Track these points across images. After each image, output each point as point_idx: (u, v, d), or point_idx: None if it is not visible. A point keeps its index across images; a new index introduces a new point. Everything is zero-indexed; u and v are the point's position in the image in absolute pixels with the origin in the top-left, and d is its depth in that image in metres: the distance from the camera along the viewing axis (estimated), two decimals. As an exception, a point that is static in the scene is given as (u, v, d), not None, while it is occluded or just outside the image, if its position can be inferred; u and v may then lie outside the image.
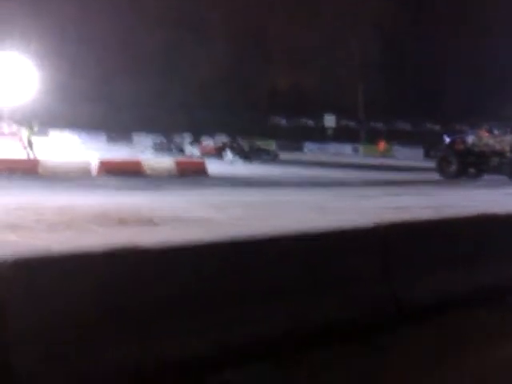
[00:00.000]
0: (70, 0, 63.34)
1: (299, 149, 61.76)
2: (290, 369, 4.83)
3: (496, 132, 32.36)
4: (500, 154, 31.45)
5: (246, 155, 40.56)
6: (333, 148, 62.16)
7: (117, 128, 63.78)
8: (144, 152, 42.15)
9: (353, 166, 38.40)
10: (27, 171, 22.23)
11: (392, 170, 35.62)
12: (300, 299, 5.32)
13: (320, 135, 66.44)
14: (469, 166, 32.40)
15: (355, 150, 62.29)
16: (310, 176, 28.11)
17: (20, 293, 3.94)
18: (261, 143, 47.00)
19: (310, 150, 61.71)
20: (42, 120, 58.19)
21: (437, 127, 68.04)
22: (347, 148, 62.40)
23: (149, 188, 19.84)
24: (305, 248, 5.57)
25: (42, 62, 43.69)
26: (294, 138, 63.53)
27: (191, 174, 24.99)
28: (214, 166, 27.51)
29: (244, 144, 42.81)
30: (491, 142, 32.04)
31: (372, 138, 65.16)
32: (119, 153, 36.95)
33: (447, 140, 34.45)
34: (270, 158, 42.16)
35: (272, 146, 50.81)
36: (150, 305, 4.46)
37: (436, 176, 30.79)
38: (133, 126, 63.70)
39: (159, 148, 47.20)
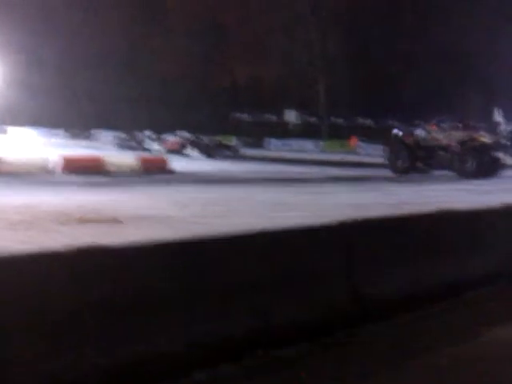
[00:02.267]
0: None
1: (262, 145, 61.84)
2: (251, 368, 4.89)
3: (444, 126, 32.05)
4: (447, 148, 31.23)
5: (208, 151, 40.56)
6: (296, 144, 62.33)
7: (76, 124, 63.17)
8: (105, 148, 41.86)
9: (314, 162, 38.57)
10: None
11: (353, 166, 35.87)
12: (261, 298, 5.35)
13: (283, 131, 66.58)
14: (418, 160, 32.06)
15: (317, 146, 62.56)
16: (272, 172, 28.22)
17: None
18: (222, 139, 47.00)
19: (273, 146, 61.81)
20: (1, 116, 57.68)
21: (398, 123, 68.66)
22: (309, 144, 62.63)
23: (111, 185, 19.72)
24: (266, 246, 5.60)
25: (2, 57, 43.08)
26: (257, 134, 63.57)
27: (154, 171, 24.87)
28: (176, 163, 27.42)
29: (205, 140, 42.80)
30: (439, 136, 31.85)
31: (334, 134, 65.46)
32: (80, 149, 36.63)
33: (397, 133, 33.99)
34: (232, 153, 42.20)
35: (232, 141, 50.83)
36: (112, 305, 4.46)
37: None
38: (92, 122, 63.15)
39: (121, 144, 46.90)
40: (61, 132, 63.17)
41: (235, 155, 42.01)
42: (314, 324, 5.60)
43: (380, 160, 34.97)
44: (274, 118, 70.90)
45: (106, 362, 4.32)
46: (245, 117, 71.97)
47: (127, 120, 59.16)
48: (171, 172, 25.60)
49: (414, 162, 31.90)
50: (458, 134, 31.23)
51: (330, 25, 66.28)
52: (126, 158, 27.48)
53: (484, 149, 30.36)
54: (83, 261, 4.38)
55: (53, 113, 62.64)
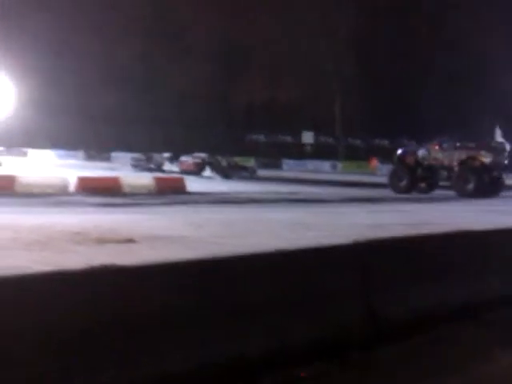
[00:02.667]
0: (46, 15, 63.25)
1: (278, 166, 61.87)
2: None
3: (445, 146, 32.46)
4: (448, 168, 31.63)
5: (225, 172, 40.60)
6: (311, 165, 62.32)
7: (95, 145, 63.65)
8: (122, 169, 42.04)
9: (331, 182, 38.52)
10: (3, 188, 22.02)
11: (370, 187, 35.74)
12: (277, 317, 5.30)
13: (298, 152, 66.61)
14: (419, 180, 32.51)
15: (334, 167, 62.50)
16: (289, 193, 28.17)
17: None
18: (239, 160, 47.07)
19: (289, 167, 61.81)
20: (20, 138, 58.24)
21: (414, 143, 68.36)
22: (325, 165, 62.59)
23: (127, 206, 19.77)
24: (281, 265, 5.56)
25: (19, 78, 43.52)
26: (273, 155, 63.66)
27: (170, 191, 24.92)
28: (192, 184, 27.47)
29: (222, 161, 42.86)
30: (440, 156, 32.26)
31: (350, 155, 65.39)
32: (97, 170, 36.82)
33: (399, 153, 34.49)
34: (249, 174, 42.21)
35: (251, 162, 50.92)
36: (128, 325, 4.43)
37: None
38: (111, 144, 63.57)
39: (137, 165, 47.08)
40: (79, 153, 63.66)
41: (252, 176, 42.02)
42: (330, 344, 5.54)
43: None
44: (289, 138, 71.00)
45: (116, 382, 4.28)
46: (261, 138, 72.14)
47: (144, 141, 59.47)
48: (187, 193, 25.63)
49: (415, 181, 32.28)
50: (458, 154, 31.67)
51: (345, 47, 66.51)
52: (142, 179, 27.57)
53: (484, 169, 30.72)
54: (97, 280, 4.36)
55: (71, 134, 63.16)
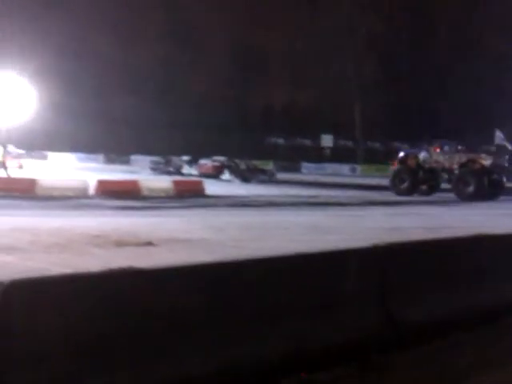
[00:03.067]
0: (67, 18, 63.73)
1: (297, 169, 61.77)
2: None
3: (446, 149, 32.86)
4: (449, 171, 32.05)
5: (244, 175, 40.59)
6: (330, 168, 62.17)
7: (114, 149, 63.97)
8: (141, 172, 42.19)
9: (350, 186, 38.41)
10: (24, 191, 22.19)
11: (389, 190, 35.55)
12: (296, 321, 5.28)
13: (317, 155, 66.46)
14: (420, 182, 32.93)
15: (353, 170, 62.30)
16: (308, 196, 28.11)
17: (18, 315, 3.90)
18: (258, 163, 47.04)
19: (308, 170, 61.70)
20: (40, 141, 58.68)
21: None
22: (345, 168, 62.42)
23: (146, 209, 19.82)
24: (300, 269, 5.54)
25: (40, 82, 43.86)
26: (292, 158, 63.58)
27: (189, 195, 24.96)
28: (211, 187, 27.50)
29: (241, 164, 42.85)
30: (441, 158, 32.68)
31: (369, 159, 65.13)
32: (117, 173, 36.98)
33: (401, 155, 34.90)
34: (267, 178, 42.16)
35: (270, 165, 50.90)
36: (146, 327, 4.42)
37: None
38: (130, 147, 63.84)
39: (157, 168, 47.20)
40: (99, 157, 64.02)
41: (271, 179, 41.97)
42: (349, 348, 5.50)
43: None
44: (308, 142, 70.89)
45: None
46: (280, 141, 72.09)
47: (164, 144, 59.64)
48: (206, 196, 25.65)
49: (416, 183, 32.71)
50: (459, 157, 32.10)
51: (365, 50, 66.33)
52: (162, 182, 27.64)
53: (484, 171, 31.00)
54: (115, 283, 4.36)
55: (91, 137, 63.53)
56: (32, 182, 23.38)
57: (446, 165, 32.31)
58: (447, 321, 6.47)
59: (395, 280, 6.21)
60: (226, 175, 41.12)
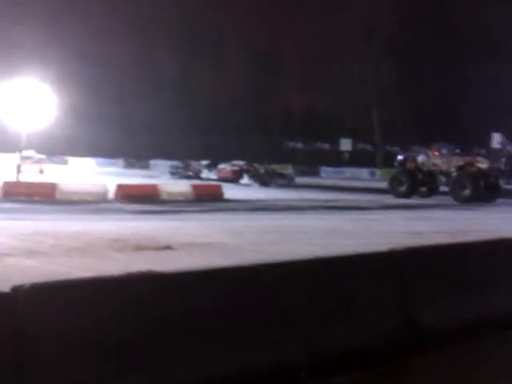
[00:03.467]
0: (87, 26, 64.20)
1: (315, 173, 61.66)
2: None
3: (444, 152, 33.45)
4: (446, 174, 32.62)
5: (263, 179, 40.61)
6: (349, 172, 61.99)
7: (134, 153, 64.26)
8: (161, 177, 42.36)
9: (369, 190, 38.31)
10: (45, 195, 22.40)
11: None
12: (314, 325, 5.29)
13: (336, 159, 66.27)
14: (419, 185, 33.45)
15: (372, 174, 62.06)
16: (326, 200, 28.07)
17: (38, 318, 3.96)
18: (277, 167, 47.01)
19: (327, 175, 61.56)
20: (61, 146, 59.13)
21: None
22: (364, 172, 62.20)
23: (165, 213, 19.91)
24: (318, 273, 5.55)
25: (60, 88, 44.21)
26: (311, 163, 63.45)
27: (208, 199, 25.03)
28: (230, 191, 27.55)
29: (260, 168, 42.89)
30: (439, 161, 33.28)
31: (388, 162, 64.79)
32: (136, 177, 37.17)
33: (399, 158, 35.61)
34: (286, 182, 42.14)
35: (289, 170, 50.87)
36: (165, 330, 4.46)
37: (449, 200, 30.61)
38: (149, 151, 64.09)
39: (176, 173, 47.35)
40: (119, 161, 64.35)
41: (290, 183, 41.94)
42: (367, 352, 5.50)
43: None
44: (327, 146, 70.73)
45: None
46: (299, 145, 72.02)
47: (183, 149, 59.78)
48: (225, 200, 25.71)
49: (415, 186, 33.23)
50: (456, 160, 32.74)
51: (383, 54, 66.08)
52: (181, 187, 27.74)
53: (480, 174, 31.48)
54: (134, 286, 4.40)
55: (111, 142, 63.87)
56: (52, 187, 23.59)
57: (444, 168, 32.88)
58: (466, 325, 6.44)
59: (414, 284, 6.19)
60: (245, 179, 41.17)
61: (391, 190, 33.40)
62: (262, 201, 26.59)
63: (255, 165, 43.54)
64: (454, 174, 32.16)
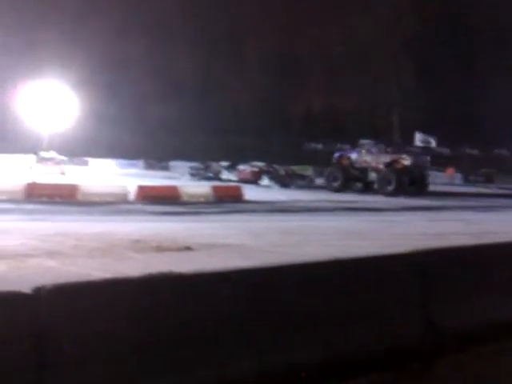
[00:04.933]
0: (108, 29, 64.54)
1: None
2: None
3: (375, 150, 36.36)
4: (376, 170, 35.30)
5: (282, 181, 40.57)
6: (370, 173, 61.68)
7: (154, 154, 64.48)
8: (181, 178, 42.46)
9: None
10: (66, 197, 22.55)
11: (430, 196, 35.26)
12: (333, 327, 5.26)
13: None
14: (352, 180, 36.53)
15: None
16: (346, 201, 27.99)
17: (60, 319, 3.97)
18: (297, 168, 46.94)
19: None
20: (82, 148, 59.51)
21: (475, 152, 67.19)
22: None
23: (185, 214, 19.95)
24: (338, 274, 5.52)
25: (81, 90, 44.54)
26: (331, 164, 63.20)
27: (228, 200, 25.06)
28: (250, 192, 27.55)
29: (280, 169, 42.84)
30: (369, 158, 36.09)
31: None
32: (156, 179, 37.30)
33: (335, 156, 38.63)
34: (306, 183, 42.08)
35: (309, 171, 50.74)
36: (185, 332, 4.46)
37: (473, 202, 30.47)
38: (170, 153, 64.29)
39: (196, 174, 47.43)
40: (139, 163, 64.60)
41: (310, 185, 41.87)
42: (387, 355, 5.47)
43: (457, 189, 35.09)
44: (347, 147, 70.48)
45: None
46: (319, 146, 71.87)
47: (203, 150, 59.92)
48: (245, 201, 25.71)
49: (348, 182, 36.43)
50: (384, 157, 35.58)
51: (405, 55, 65.78)
52: (201, 188, 27.79)
53: (404, 170, 34.19)
54: (155, 287, 4.41)
55: (131, 144, 64.15)
56: (74, 188, 23.74)
57: (373, 164, 35.58)
58: (489, 328, 6.38)
59: (436, 286, 6.14)
60: (265, 181, 41.14)
61: (326, 186, 36.63)
62: (282, 202, 26.57)
63: (275, 166, 43.50)
64: (383, 171, 34.79)
